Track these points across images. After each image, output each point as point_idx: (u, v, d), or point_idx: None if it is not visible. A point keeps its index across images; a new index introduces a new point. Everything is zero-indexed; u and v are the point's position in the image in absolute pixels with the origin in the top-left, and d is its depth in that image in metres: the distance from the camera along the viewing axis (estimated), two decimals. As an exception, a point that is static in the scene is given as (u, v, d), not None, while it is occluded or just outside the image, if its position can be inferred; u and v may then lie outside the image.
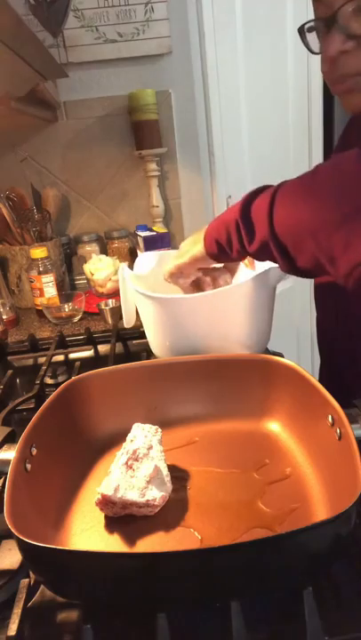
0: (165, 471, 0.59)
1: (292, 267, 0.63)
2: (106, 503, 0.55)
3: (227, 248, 0.71)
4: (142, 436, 0.62)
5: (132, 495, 0.55)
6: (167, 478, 0.58)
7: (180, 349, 0.82)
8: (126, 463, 0.58)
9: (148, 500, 0.55)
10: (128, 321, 0.96)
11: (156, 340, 0.87)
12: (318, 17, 0.69)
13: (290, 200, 0.61)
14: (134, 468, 0.58)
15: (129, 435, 0.63)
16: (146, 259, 0.97)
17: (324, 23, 0.67)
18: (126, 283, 0.90)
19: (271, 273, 0.79)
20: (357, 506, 0.43)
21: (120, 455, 0.61)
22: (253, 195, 0.66)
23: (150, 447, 0.61)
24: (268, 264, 0.78)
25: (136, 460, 0.58)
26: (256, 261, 0.86)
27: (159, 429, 0.64)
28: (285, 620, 0.45)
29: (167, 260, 0.95)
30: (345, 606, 0.46)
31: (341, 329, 0.88)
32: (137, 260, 0.98)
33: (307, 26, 0.71)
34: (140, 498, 0.55)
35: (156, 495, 0.55)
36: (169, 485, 0.58)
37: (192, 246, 0.78)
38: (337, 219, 0.55)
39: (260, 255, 0.67)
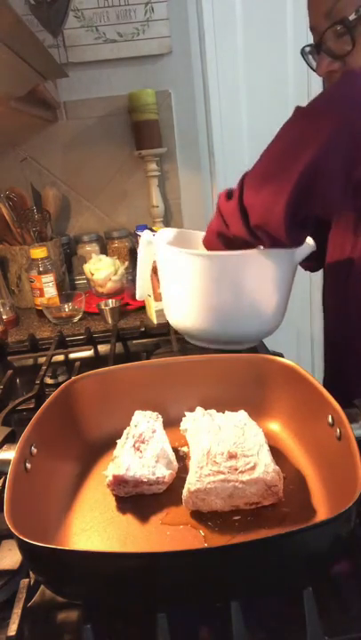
0: (170, 452, 0.62)
1: (245, 224, 0.73)
2: (118, 483, 0.57)
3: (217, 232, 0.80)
4: (145, 421, 0.64)
5: (143, 473, 0.57)
6: (173, 457, 0.61)
7: (209, 316, 0.84)
8: (133, 445, 0.60)
9: (158, 478, 0.57)
10: (142, 293, 0.96)
11: (183, 306, 0.87)
12: (312, 43, 0.78)
13: (250, 178, 0.72)
14: (141, 449, 0.60)
15: (132, 421, 0.65)
16: (166, 234, 0.97)
17: (315, 47, 0.76)
18: (148, 249, 0.90)
19: (298, 251, 0.82)
20: (357, 506, 0.43)
21: (124, 440, 0.63)
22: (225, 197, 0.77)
23: (154, 431, 0.63)
24: None
25: (142, 442, 0.61)
26: None
27: (160, 415, 0.66)
28: (285, 620, 0.45)
29: (187, 237, 0.96)
30: (345, 606, 0.46)
31: (347, 330, 0.89)
32: (158, 233, 0.97)
33: (306, 49, 0.79)
34: (151, 476, 0.57)
35: (165, 473, 0.58)
36: (175, 464, 0.61)
37: None
38: (273, 164, 0.68)
39: (227, 215, 0.77)
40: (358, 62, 0.72)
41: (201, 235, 1.01)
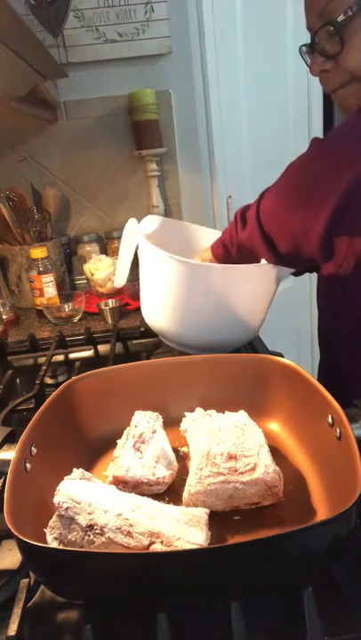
0: (170, 452, 0.62)
1: (274, 253, 0.75)
2: (117, 484, 0.57)
3: (228, 244, 0.82)
4: (145, 421, 0.64)
5: (143, 474, 0.57)
6: (173, 458, 0.61)
7: (183, 321, 0.84)
8: (133, 446, 0.60)
9: (158, 478, 0.57)
10: (120, 280, 0.96)
11: (157, 306, 0.87)
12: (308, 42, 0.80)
13: (271, 195, 0.74)
14: (141, 450, 0.60)
15: (132, 421, 0.65)
16: (150, 223, 0.96)
17: (309, 47, 0.78)
18: (132, 239, 0.89)
19: (281, 269, 0.82)
20: (357, 506, 0.43)
21: (124, 440, 0.63)
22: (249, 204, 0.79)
23: (154, 431, 0.63)
24: None
25: (143, 442, 0.61)
26: None
27: (160, 415, 0.66)
28: (285, 620, 0.45)
29: (171, 226, 0.97)
30: (345, 606, 0.46)
31: (339, 327, 0.90)
32: (143, 220, 0.96)
33: (303, 49, 0.80)
34: (151, 476, 0.57)
35: (165, 473, 0.58)
36: (175, 465, 0.61)
37: (199, 255, 0.89)
38: (307, 187, 0.68)
39: (249, 242, 0.77)
40: (348, 62, 0.74)
41: (186, 225, 1.02)
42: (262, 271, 0.82)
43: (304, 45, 0.80)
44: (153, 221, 0.96)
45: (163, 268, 0.82)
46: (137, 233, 0.89)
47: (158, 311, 0.87)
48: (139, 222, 0.92)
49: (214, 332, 0.85)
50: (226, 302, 0.82)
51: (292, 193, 0.71)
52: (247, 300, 0.84)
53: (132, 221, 0.92)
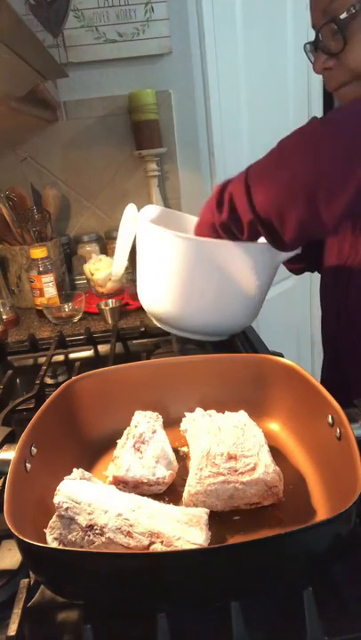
0: (170, 452, 0.62)
1: (279, 241, 0.71)
2: (117, 484, 0.57)
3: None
4: (145, 421, 0.64)
5: (143, 474, 0.57)
6: (173, 458, 0.61)
7: (185, 303, 0.83)
8: (134, 446, 0.60)
9: (158, 478, 0.57)
10: (118, 270, 0.95)
11: (158, 289, 0.85)
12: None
13: (263, 178, 0.68)
14: (141, 450, 0.60)
15: (132, 421, 0.65)
16: (150, 211, 0.96)
17: (312, 45, 0.78)
18: (131, 225, 0.88)
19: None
20: (357, 506, 0.43)
21: (124, 440, 0.63)
22: (222, 191, 0.73)
23: (154, 431, 0.63)
24: None
25: (143, 442, 0.61)
26: None
27: (160, 416, 0.66)
28: (285, 620, 0.45)
29: (171, 217, 0.96)
30: (345, 606, 0.46)
31: (342, 326, 0.90)
32: (143, 210, 0.95)
33: (307, 47, 0.80)
34: (151, 476, 0.57)
35: (165, 473, 0.58)
36: (175, 465, 0.61)
37: None
38: (315, 178, 0.63)
39: (252, 239, 0.75)
40: (350, 60, 0.74)
41: (186, 217, 1.01)
42: (266, 249, 0.80)
43: (308, 43, 0.80)
44: (152, 210, 0.96)
45: (167, 248, 0.81)
46: (138, 219, 0.88)
47: (159, 294, 0.86)
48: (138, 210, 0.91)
49: (215, 313, 0.84)
50: (229, 281, 0.82)
51: (296, 186, 0.64)
52: (249, 279, 0.83)
53: (131, 206, 0.91)
